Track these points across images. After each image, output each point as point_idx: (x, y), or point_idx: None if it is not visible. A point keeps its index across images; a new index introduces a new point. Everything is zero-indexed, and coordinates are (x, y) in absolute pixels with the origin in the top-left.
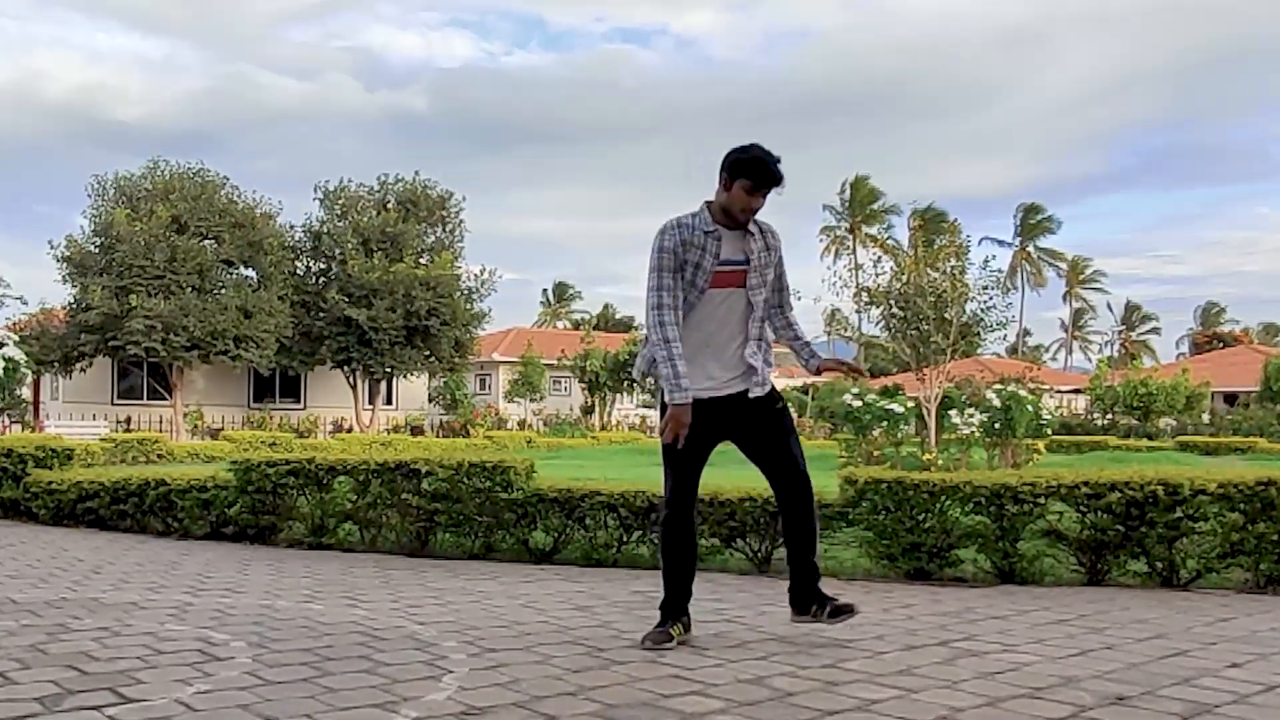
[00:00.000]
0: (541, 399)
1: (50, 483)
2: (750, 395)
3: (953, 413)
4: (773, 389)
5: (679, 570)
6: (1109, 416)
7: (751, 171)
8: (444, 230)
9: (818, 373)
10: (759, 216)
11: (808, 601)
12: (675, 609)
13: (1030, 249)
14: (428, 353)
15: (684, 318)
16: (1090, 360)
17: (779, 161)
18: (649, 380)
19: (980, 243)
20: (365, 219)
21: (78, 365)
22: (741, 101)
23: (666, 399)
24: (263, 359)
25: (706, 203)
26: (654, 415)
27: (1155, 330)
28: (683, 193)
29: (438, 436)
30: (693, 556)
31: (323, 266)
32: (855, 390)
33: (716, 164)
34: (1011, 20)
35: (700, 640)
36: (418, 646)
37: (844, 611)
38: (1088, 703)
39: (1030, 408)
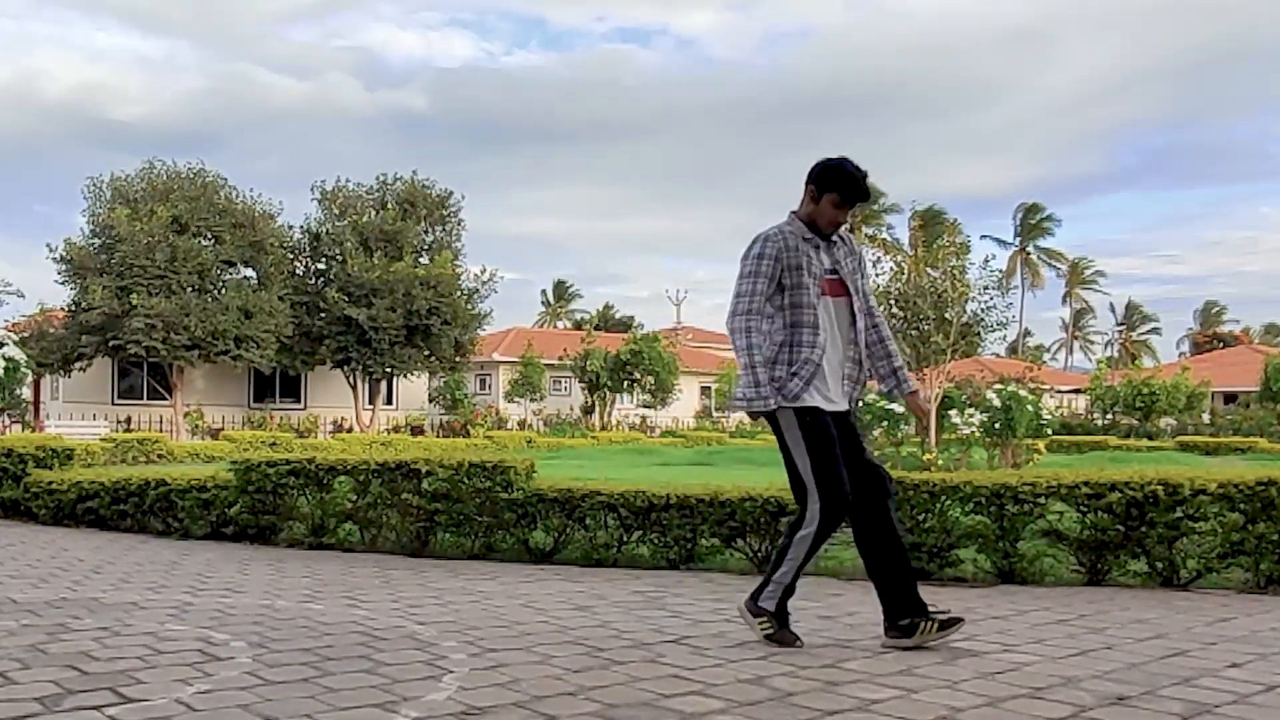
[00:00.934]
0: (542, 399)
1: (50, 483)
2: (846, 407)
3: (953, 413)
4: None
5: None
6: (1109, 416)
7: (842, 185)
8: (444, 229)
9: (904, 395)
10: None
11: (921, 609)
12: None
13: (1030, 249)
14: (428, 352)
15: (808, 326)
16: (1091, 360)
17: (867, 176)
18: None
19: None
20: (364, 218)
21: (78, 365)
22: (742, 101)
23: (761, 406)
24: (263, 359)
25: (793, 213)
26: (653, 415)
27: (1156, 330)
28: (684, 191)
29: (438, 436)
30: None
31: (322, 266)
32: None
33: (716, 163)
34: (1012, 20)
35: (700, 640)
36: (418, 646)
37: (953, 623)
38: (1088, 703)
39: (1030, 408)
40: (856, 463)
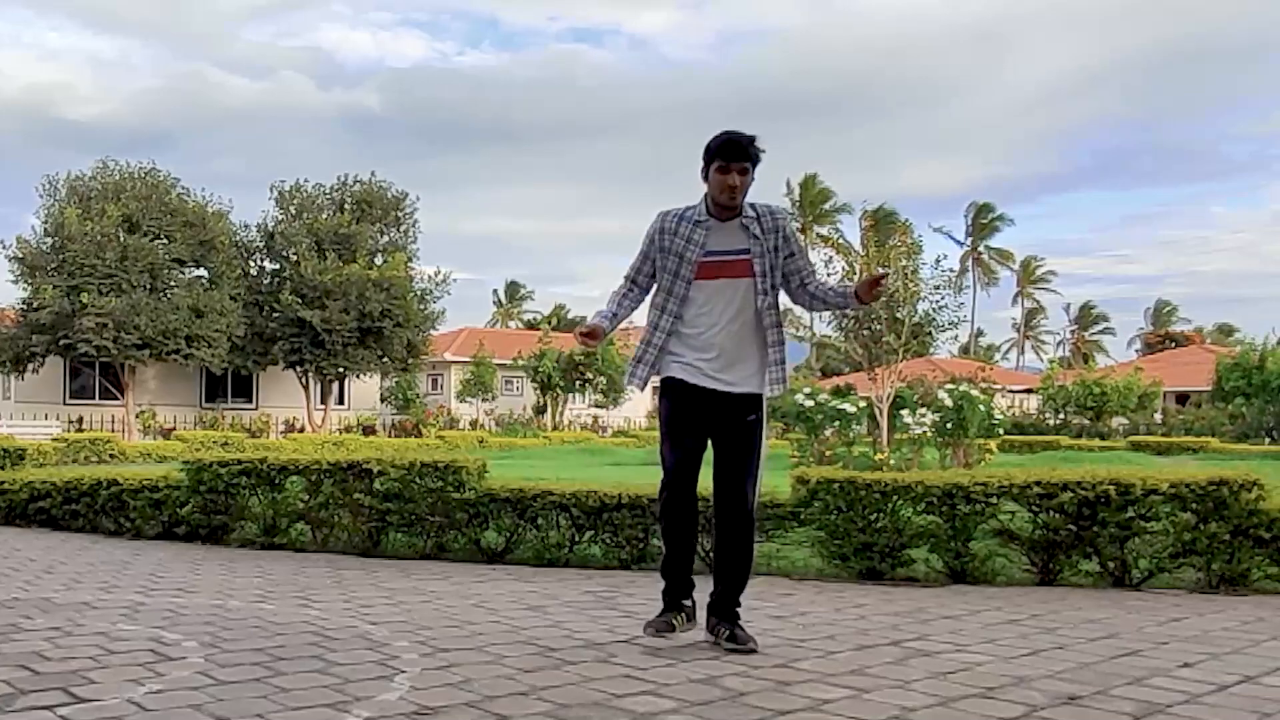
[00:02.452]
0: (494, 399)
1: (2, 482)
2: (729, 391)
3: (905, 412)
4: (757, 398)
5: (675, 555)
6: (1061, 416)
7: (720, 151)
8: (398, 231)
9: (860, 300)
10: (763, 201)
11: (730, 615)
12: (674, 598)
13: (981, 248)
14: (380, 353)
15: (677, 308)
16: (1042, 360)
17: (754, 139)
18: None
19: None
20: (320, 219)
21: (29, 365)
22: (697, 100)
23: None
24: (215, 358)
25: (705, 195)
26: (605, 415)
27: (1108, 330)
28: (639, 191)
29: (390, 437)
30: (691, 543)
31: (276, 267)
32: (807, 390)
33: (673, 162)
34: (969, 20)
35: (652, 640)
36: (370, 646)
37: (750, 641)
38: (1040, 702)
39: (982, 408)
40: (732, 473)
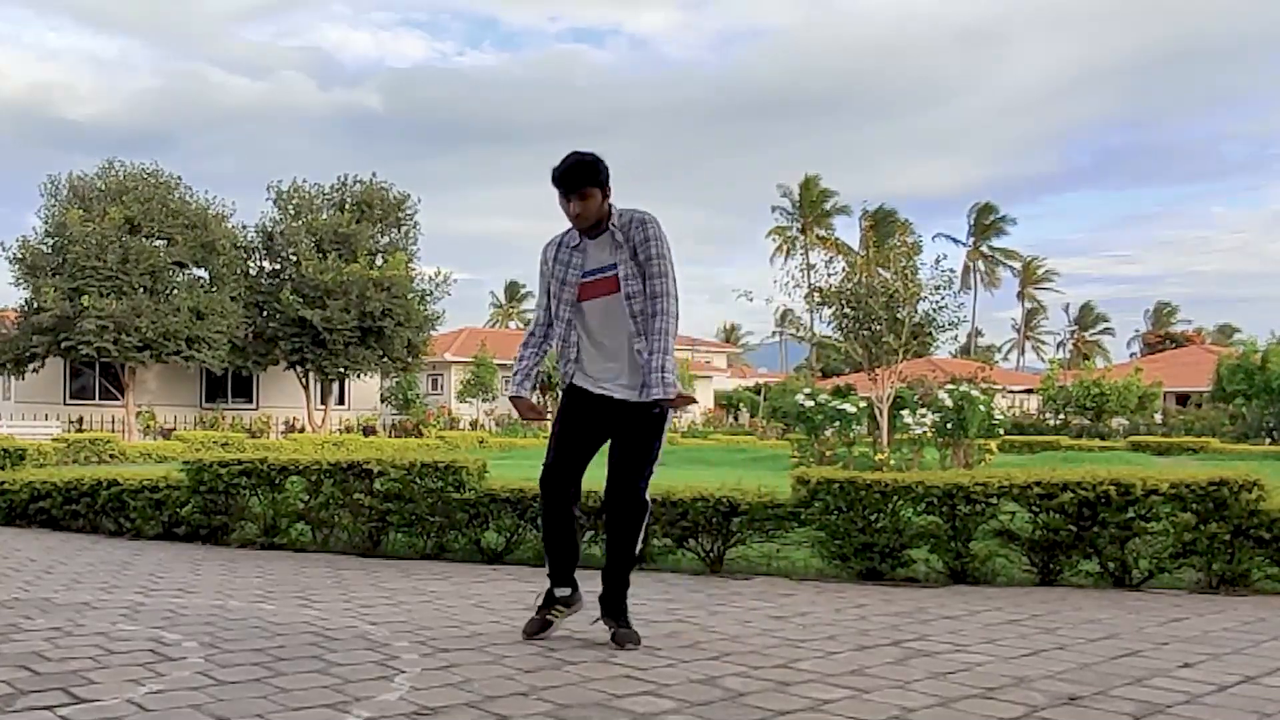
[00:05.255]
0: (494, 399)
1: (2, 483)
2: (618, 398)
3: (905, 413)
4: (653, 401)
5: (550, 545)
6: (1061, 417)
7: (555, 182)
8: (399, 232)
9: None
10: (636, 209)
11: (613, 612)
12: (550, 589)
13: (984, 249)
14: (381, 353)
15: (564, 330)
16: (1042, 360)
17: (578, 163)
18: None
19: (935, 238)
20: (320, 219)
21: (30, 366)
22: (694, 101)
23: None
24: (215, 359)
25: None
26: None
27: (1108, 331)
28: (639, 190)
29: (390, 437)
30: (567, 535)
31: (276, 267)
32: (808, 390)
33: (671, 161)
34: (967, 20)
35: (653, 640)
36: (370, 647)
37: (628, 641)
38: (1040, 703)
39: (982, 408)
40: (620, 458)
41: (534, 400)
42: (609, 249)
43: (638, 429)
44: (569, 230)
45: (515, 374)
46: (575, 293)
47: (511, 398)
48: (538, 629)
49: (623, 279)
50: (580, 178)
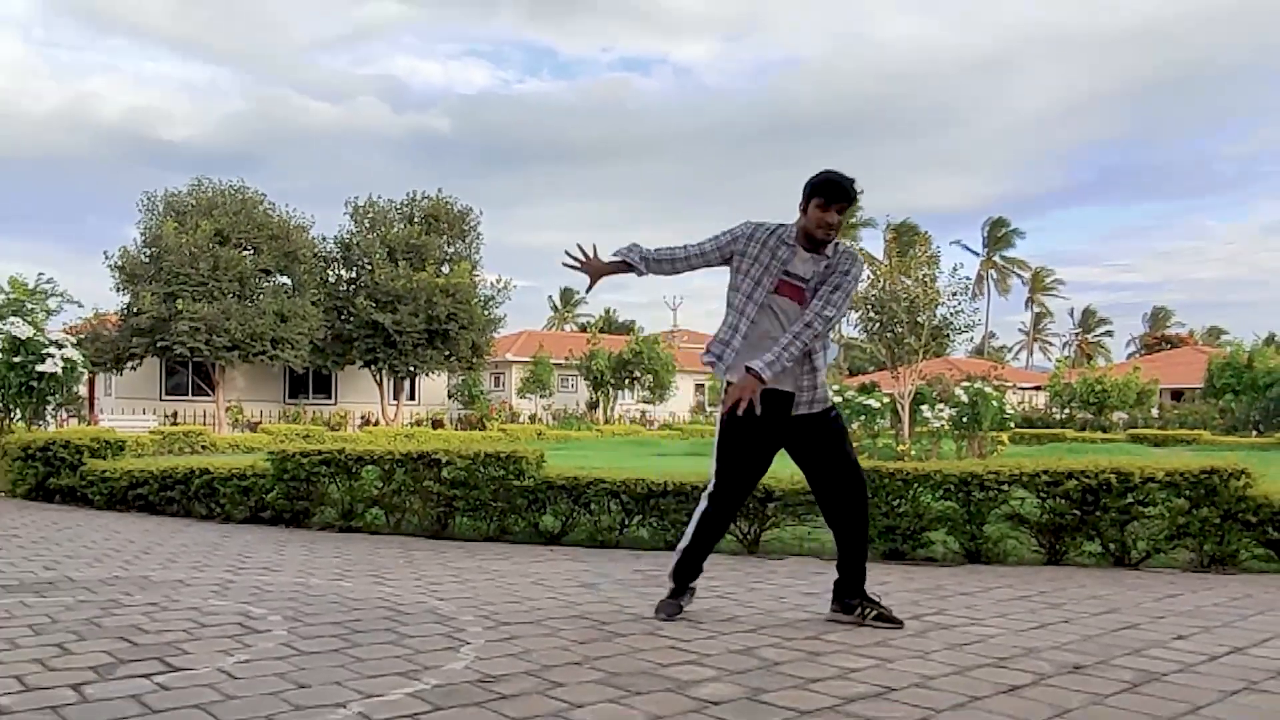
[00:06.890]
0: (551, 395)
1: (104, 471)
2: (797, 410)
3: (925, 408)
4: (828, 407)
5: (703, 553)
6: (1066, 411)
7: (821, 189)
8: (464, 242)
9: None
10: (846, 244)
11: (855, 600)
12: (686, 584)
13: (996, 259)
14: (447, 353)
15: (751, 316)
16: (1049, 360)
17: (850, 180)
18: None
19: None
20: (392, 231)
21: (129, 365)
22: (733, 123)
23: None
24: (297, 359)
25: (797, 223)
26: (651, 410)
27: (1109, 333)
28: (679, 205)
29: (456, 429)
30: (716, 542)
31: (352, 275)
32: (836, 388)
33: (710, 179)
34: (981, 49)
35: (695, 614)
36: (438, 620)
37: (890, 622)
38: (1047, 671)
39: (995, 403)
40: (835, 458)
41: (601, 261)
42: (815, 265)
43: (827, 429)
44: (786, 226)
45: (645, 253)
46: (775, 284)
47: (612, 259)
48: (677, 611)
49: (810, 295)
50: (849, 194)
